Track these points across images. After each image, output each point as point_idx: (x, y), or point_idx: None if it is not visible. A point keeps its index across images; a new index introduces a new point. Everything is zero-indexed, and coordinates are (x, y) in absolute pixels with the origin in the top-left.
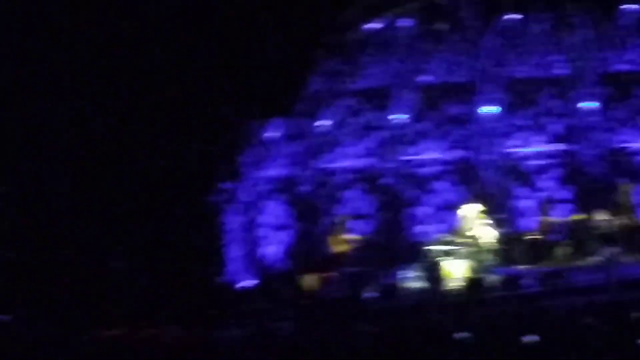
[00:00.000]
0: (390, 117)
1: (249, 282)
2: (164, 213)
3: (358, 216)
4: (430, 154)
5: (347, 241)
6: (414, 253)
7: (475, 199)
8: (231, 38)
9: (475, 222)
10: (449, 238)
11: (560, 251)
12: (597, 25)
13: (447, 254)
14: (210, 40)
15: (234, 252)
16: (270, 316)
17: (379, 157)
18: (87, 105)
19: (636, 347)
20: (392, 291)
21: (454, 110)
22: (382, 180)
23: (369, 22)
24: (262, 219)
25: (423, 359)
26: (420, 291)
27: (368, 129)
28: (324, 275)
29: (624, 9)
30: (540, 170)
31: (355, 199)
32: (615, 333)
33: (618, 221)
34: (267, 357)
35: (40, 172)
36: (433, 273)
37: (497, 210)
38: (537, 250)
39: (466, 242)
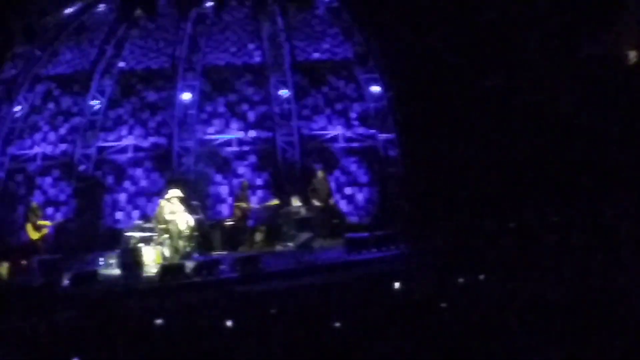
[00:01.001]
0: (87, 103)
1: None
2: None
3: (54, 203)
4: (127, 140)
5: (42, 228)
6: (111, 240)
7: (173, 185)
8: None
9: (173, 208)
10: (147, 224)
11: (256, 237)
12: (293, 14)
13: (144, 240)
14: None
15: None
16: None
17: (75, 144)
18: None
19: (331, 330)
20: (88, 278)
21: (151, 96)
22: (78, 167)
23: (66, 6)
24: None
25: (120, 345)
26: (118, 278)
27: (64, 114)
28: (18, 263)
29: None
30: (237, 156)
31: (51, 186)
32: (308, 317)
33: (313, 207)
34: None
35: None
36: (130, 259)
37: (195, 197)
38: (234, 236)
39: (164, 229)
